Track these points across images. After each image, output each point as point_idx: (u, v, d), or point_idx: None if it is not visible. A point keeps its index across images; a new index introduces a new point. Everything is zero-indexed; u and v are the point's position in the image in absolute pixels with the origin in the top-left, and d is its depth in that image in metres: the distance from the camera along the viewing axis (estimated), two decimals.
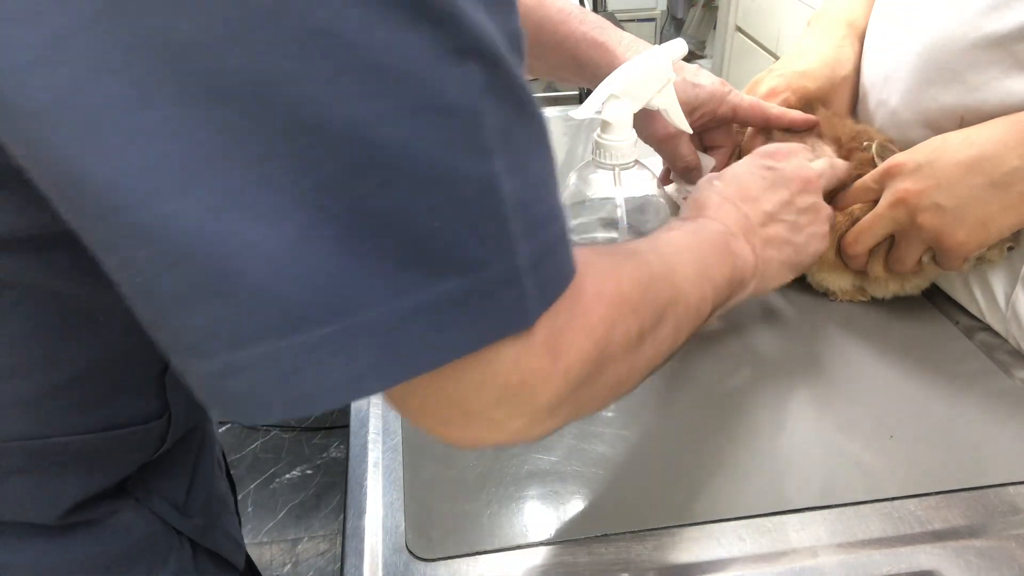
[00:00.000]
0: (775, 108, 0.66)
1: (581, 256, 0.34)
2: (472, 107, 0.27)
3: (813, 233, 0.55)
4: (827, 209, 0.57)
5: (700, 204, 0.53)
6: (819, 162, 0.59)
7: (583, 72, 0.67)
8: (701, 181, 0.56)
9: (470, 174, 0.27)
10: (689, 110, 0.64)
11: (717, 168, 0.69)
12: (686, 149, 0.67)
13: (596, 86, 0.59)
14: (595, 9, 1.83)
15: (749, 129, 0.70)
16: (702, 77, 0.65)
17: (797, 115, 0.66)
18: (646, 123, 0.65)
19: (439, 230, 0.27)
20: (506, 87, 0.28)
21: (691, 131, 0.63)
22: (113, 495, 0.49)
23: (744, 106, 0.66)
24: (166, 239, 0.24)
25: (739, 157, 0.70)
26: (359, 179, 0.26)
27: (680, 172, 0.70)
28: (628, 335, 0.37)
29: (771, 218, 0.53)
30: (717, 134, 0.71)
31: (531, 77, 0.80)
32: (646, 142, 0.67)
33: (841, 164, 0.62)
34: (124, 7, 0.22)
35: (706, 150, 0.72)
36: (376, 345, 0.27)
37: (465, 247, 0.28)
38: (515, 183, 0.29)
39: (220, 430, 1.88)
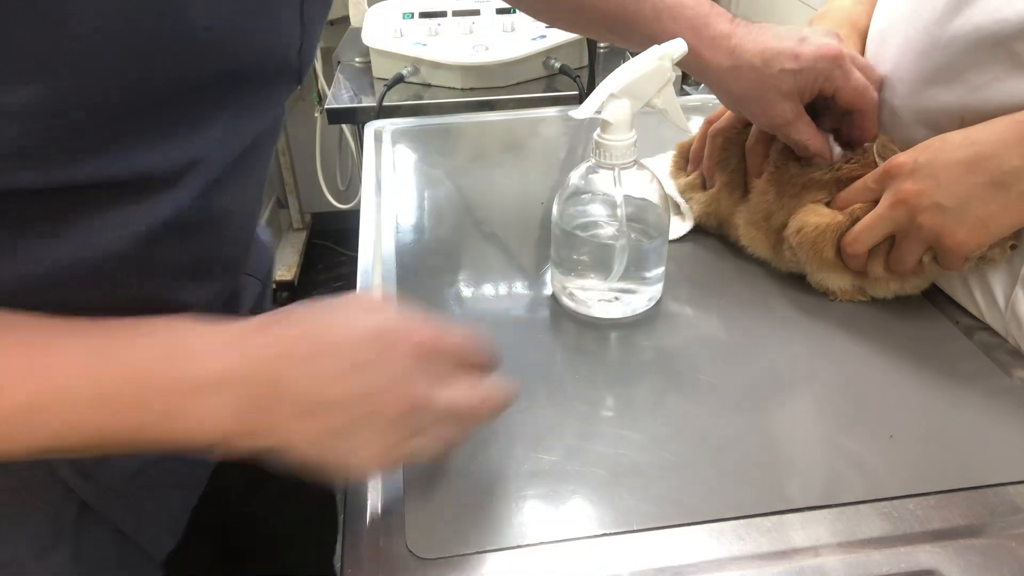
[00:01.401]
0: (872, 101, 0.60)
1: None
2: None
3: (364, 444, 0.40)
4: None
5: (261, 324, 0.40)
6: (483, 388, 0.44)
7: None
8: (285, 307, 0.43)
9: None
10: (797, 94, 0.60)
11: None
12: (806, 133, 0.61)
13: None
14: None
15: (753, 128, 0.68)
16: (805, 46, 0.58)
17: (873, 124, 0.62)
18: (760, 109, 0.60)
19: None
20: None
21: (693, 132, 0.63)
22: None
23: (848, 89, 0.59)
24: None
25: (743, 158, 0.69)
26: None
27: (806, 157, 0.64)
28: None
29: (315, 412, 0.39)
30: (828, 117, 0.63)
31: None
32: (762, 128, 0.64)
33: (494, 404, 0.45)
34: None
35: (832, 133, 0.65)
36: None
37: None
38: None
39: None
